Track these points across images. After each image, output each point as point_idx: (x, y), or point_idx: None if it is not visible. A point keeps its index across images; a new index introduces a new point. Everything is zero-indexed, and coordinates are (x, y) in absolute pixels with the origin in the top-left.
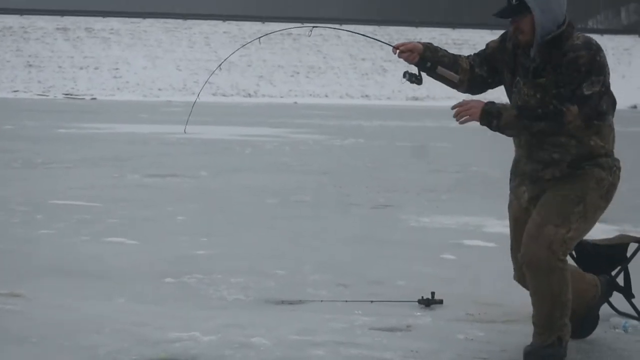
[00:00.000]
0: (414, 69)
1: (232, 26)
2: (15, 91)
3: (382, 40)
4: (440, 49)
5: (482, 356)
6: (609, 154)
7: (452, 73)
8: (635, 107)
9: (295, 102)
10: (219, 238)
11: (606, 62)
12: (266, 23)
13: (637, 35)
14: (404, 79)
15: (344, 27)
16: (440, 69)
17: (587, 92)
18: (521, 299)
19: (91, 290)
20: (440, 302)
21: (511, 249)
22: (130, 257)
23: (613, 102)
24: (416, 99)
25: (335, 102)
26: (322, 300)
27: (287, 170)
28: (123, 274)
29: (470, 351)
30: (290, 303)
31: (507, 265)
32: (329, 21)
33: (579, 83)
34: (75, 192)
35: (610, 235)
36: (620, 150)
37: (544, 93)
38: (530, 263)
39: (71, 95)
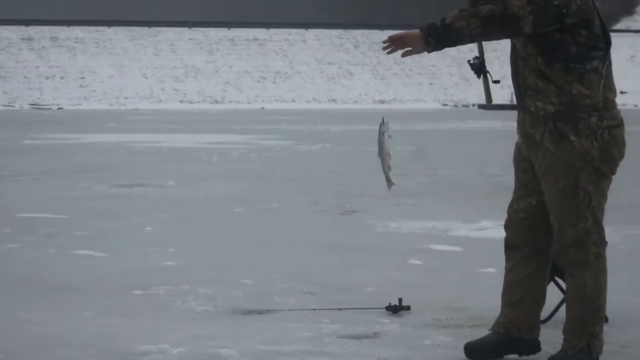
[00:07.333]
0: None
1: (198, 33)
2: None
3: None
4: None
5: None
6: (598, 107)
7: None
8: None
9: (263, 108)
10: (186, 248)
11: None
12: (232, 29)
13: None
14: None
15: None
16: None
17: None
18: (487, 303)
19: (59, 304)
20: (408, 308)
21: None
22: (98, 269)
23: (606, 42)
24: (383, 102)
25: (302, 106)
26: (290, 309)
27: (255, 178)
28: (91, 287)
29: (438, 357)
30: (259, 313)
31: (473, 269)
32: (295, 26)
33: None
34: (42, 204)
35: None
36: None
37: None
38: (564, 261)
39: (37, 105)
